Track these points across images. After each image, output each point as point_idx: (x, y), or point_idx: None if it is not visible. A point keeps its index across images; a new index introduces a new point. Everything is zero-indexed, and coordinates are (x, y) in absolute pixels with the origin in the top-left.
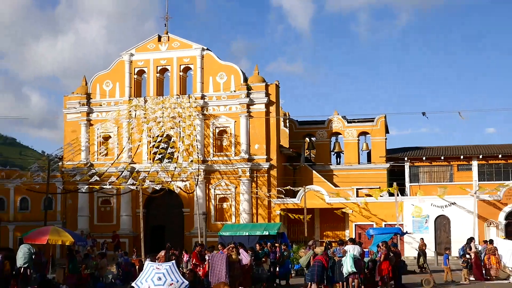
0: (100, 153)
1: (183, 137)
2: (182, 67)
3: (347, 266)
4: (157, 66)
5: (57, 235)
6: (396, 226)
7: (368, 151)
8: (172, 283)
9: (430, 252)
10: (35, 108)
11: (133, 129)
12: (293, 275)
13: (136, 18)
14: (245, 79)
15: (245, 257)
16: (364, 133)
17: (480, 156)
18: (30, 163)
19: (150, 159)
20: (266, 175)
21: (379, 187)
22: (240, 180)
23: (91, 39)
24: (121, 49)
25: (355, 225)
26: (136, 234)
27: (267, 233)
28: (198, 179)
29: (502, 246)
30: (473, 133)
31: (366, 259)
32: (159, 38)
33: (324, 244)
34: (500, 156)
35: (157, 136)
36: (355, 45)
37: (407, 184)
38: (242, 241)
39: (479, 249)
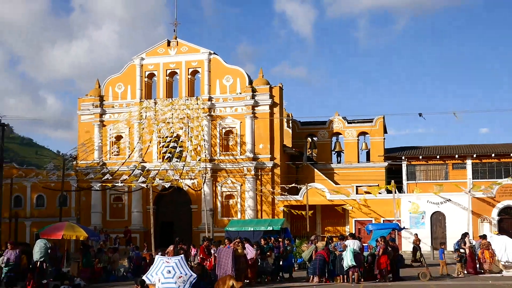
0: (112, 153)
1: (191, 137)
2: (190, 70)
3: (347, 259)
4: (166, 70)
5: (72, 230)
6: (394, 222)
7: (367, 150)
8: (181, 276)
9: (426, 246)
10: (50, 110)
11: (143, 130)
12: (296, 268)
13: (147, 24)
14: (250, 82)
15: (250, 251)
16: (363, 133)
17: (474, 155)
18: (46, 162)
19: (160, 158)
20: (270, 173)
21: (378, 185)
22: (246, 178)
23: (104, 44)
24: (132, 54)
25: (355, 220)
26: (147, 229)
27: (271, 229)
28: (205, 177)
29: (496, 242)
30: (467, 133)
31: (365, 253)
32: (168, 43)
33: (325, 239)
34: (493, 155)
35: (167, 137)
36: (355, 49)
37: (405, 181)
38: (247, 236)
39: (473, 244)
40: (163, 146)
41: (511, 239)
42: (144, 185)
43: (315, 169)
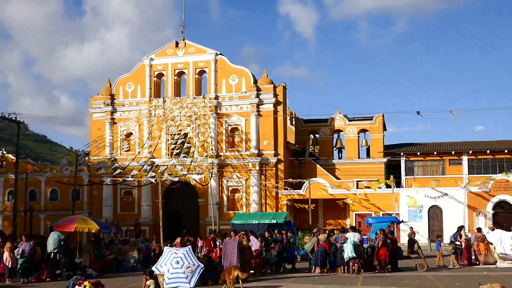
0: (123, 149)
1: (199, 133)
2: (197, 70)
3: (348, 251)
4: (174, 70)
5: (84, 223)
6: (392, 215)
7: (367, 146)
8: (189, 266)
9: (424, 239)
10: (64, 108)
11: (153, 127)
12: (298, 259)
13: (156, 26)
14: (255, 81)
15: (255, 243)
16: (363, 131)
17: (470, 152)
18: (60, 158)
19: (168, 154)
20: (274, 168)
21: (377, 180)
22: (250, 173)
23: (115, 45)
24: (142, 54)
25: (355, 214)
26: (156, 222)
27: (275, 222)
28: (212, 172)
29: (492, 236)
30: (463, 131)
31: (365, 245)
32: (177, 44)
33: (327, 231)
34: (488, 151)
35: (175, 134)
36: (355, 50)
37: (403, 177)
38: (252, 229)
39: (469, 237)
40: (171, 143)
41: (504, 231)
42: (153, 180)
43: (317, 165)
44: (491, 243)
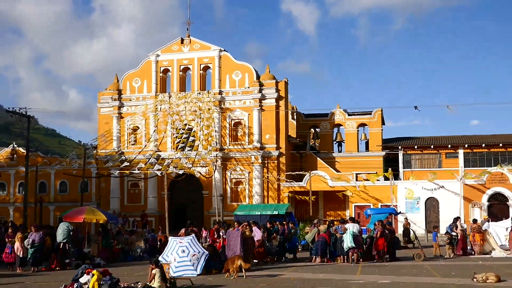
0: (129, 142)
1: (203, 127)
2: (202, 66)
3: (347, 241)
4: (180, 66)
5: (92, 214)
6: (390, 207)
7: (366, 140)
8: (195, 254)
9: (421, 230)
10: (73, 103)
11: (159, 121)
12: (299, 249)
13: (162, 23)
14: (258, 77)
15: (257, 233)
16: (362, 125)
17: (466, 145)
18: (68, 151)
19: (173, 148)
20: (276, 161)
21: (376, 172)
22: (253, 166)
23: (122, 42)
24: (148, 51)
25: (354, 205)
26: (162, 213)
27: (276, 213)
28: (216, 165)
29: (492, 229)
30: (459, 125)
31: (364, 236)
32: (182, 40)
33: (327, 222)
34: (483, 145)
35: (180, 128)
36: (355, 46)
37: (401, 169)
38: (254, 220)
39: (464, 228)
40: (176, 137)
41: (496, 223)
42: (159, 172)
43: (318, 158)
44: (489, 234)
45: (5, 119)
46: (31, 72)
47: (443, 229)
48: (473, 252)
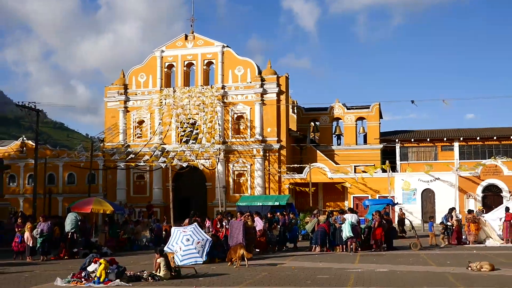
0: (135, 136)
1: (206, 121)
2: (205, 61)
3: (346, 231)
4: (184, 61)
5: (99, 205)
6: (388, 198)
7: (364, 133)
8: (199, 241)
9: (417, 220)
10: (80, 97)
11: (163, 115)
12: (300, 239)
13: (166, 20)
14: (259, 72)
15: (259, 224)
16: (361, 118)
17: (461, 138)
18: (76, 144)
19: (178, 141)
20: (277, 154)
21: (374, 165)
22: (255, 158)
23: (128, 38)
24: (153, 47)
25: (353, 196)
26: (166, 204)
27: (277, 204)
28: (219, 157)
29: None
30: (455, 118)
31: (362, 226)
32: (186, 37)
33: (326, 213)
34: (478, 138)
35: (184, 122)
36: (354, 42)
37: (398, 162)
38: (256, 210)
39: (459, 218)
40: (181, 130)
41: (488, 214)
42: (163, 164)
43: (318, 151)
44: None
45: (15, 113)
46: (40, 68)
47: (438, 219)
48: (467, 242)
